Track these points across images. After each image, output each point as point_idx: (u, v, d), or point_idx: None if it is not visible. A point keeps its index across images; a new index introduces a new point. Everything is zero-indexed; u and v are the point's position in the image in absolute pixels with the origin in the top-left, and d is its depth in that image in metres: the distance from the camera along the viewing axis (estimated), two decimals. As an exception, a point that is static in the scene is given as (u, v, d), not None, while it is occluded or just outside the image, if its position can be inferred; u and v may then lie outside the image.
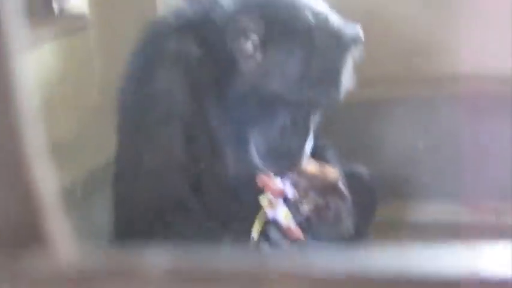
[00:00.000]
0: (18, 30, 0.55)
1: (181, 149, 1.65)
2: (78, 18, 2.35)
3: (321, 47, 1.63)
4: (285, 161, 1.68)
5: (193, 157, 1.66)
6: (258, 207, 1.66)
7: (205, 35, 1.67)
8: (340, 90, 1.68)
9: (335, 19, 1.68)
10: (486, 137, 2.29)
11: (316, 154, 1.74)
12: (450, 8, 2.30)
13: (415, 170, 2.40)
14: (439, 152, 2.37)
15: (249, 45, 1.62)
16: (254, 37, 1.61)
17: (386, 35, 2.39)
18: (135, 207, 1.65)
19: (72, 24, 2.32)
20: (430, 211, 2.39)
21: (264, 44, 1.62)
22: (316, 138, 1.78)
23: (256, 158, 1.69)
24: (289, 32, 1.62)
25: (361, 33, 1.69)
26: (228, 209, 1.69)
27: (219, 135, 1.70)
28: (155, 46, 1.68)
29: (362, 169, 1.91)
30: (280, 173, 1.68)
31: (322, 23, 1.64)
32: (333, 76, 1.65)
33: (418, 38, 2.39)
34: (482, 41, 2.29)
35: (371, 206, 1.89)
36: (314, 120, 1.71)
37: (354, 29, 1.68)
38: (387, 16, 2.38)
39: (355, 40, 1.68)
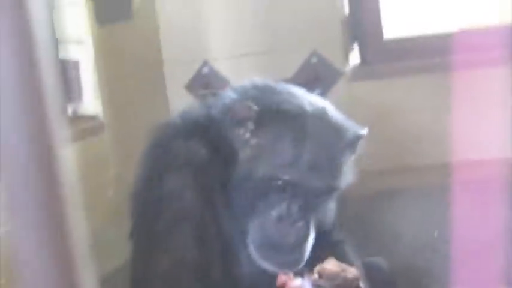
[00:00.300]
0: (62, 129, 0.57)
1: (194, 250, 1.64)
2: (91, 120, 2.37)
3: (314, 133, 1.65)
4: (283, 257, 1.64)
5: (207, 258, 1.65)
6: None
7: (210, 135, 1.70)
8: (335, 179, 1.68)
9: (335, 113, 1.71)
10: (502, 222, 2.27)
11: (333, 250, 1.73)
12: (453, 100, 2.33)
13: (431, 259, 2.38)
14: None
15: (245, 132, 1.66)
16: (249, 124, 1.65)
17: (397, 127, 2.41)
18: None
19: (85, 126, 2.34)
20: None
21: (258, 128, 1.66)
22: (331, 234, 1.76)
23: (254, 254, 1.66)
24: (280, 116, 1.66)
25: (362, 132, 1.72)
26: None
27: (230, 233, 1.69)
28: (164, 150, 1.71)
29: (380, 261, 1.89)
30: (281, 270, 1.63)
31: (318, 112, 1.68)
32: (326, 164, 1.66)
33: (426, 128, 2.41)
34: (489, 129, 2.31)
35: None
36: (315, 214, 1.69)
37: (355, 126, 1.71)
38: (397, 110, 2.40)
39: (354, 135, 1.70)
